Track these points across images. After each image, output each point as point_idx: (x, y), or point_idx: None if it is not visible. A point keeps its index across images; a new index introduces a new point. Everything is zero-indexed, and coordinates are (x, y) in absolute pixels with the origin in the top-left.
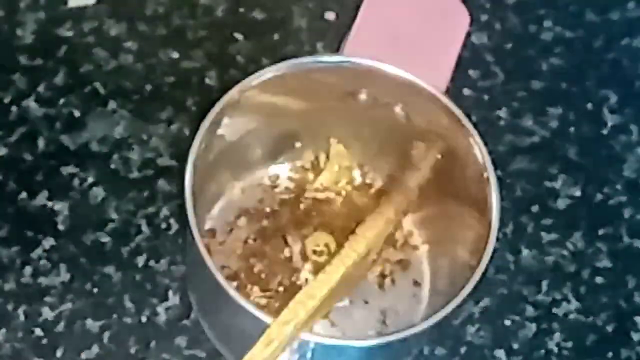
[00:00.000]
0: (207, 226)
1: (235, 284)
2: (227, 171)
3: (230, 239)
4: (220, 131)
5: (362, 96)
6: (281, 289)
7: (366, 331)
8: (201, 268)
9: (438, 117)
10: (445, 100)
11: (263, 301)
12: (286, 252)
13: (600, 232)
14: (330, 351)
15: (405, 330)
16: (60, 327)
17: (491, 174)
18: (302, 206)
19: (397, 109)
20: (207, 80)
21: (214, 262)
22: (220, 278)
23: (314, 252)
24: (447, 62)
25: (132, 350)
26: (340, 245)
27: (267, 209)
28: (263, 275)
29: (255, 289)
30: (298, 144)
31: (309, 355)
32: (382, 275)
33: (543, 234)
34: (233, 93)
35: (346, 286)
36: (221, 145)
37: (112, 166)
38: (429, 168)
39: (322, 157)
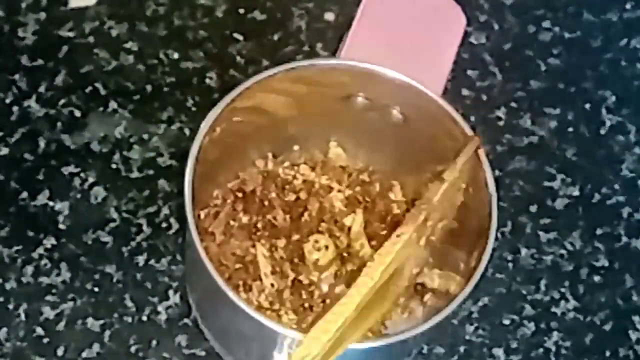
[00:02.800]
0: (206, 227)
1: (233, 285)
2: (226, 173)
3: (229, 241)
4: (219, 133)
5: (360, 99)
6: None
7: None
8: (200, 269)
9: (435, 119)
10: (442, 102)
11: (265, 304)
12: (285, 253)
13: (598, 231)
14: None
15: (405, 331)
16: (61, 325)
17: (489, 174)
18: (300, 208)
19: (395, 111)
20: (207, 81)
21: (213, 263)
22: (218, 279)
23: (313, 253)
24: (444, 64)
25: (133, 349)
26: (338, 247)
27: (267, 210)
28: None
29: (255, 290)
30: (296, 147)
31: None
32: None
33: (541, 233)
34: (232, 96)
35: (377, 310)
36: (220, 148)
37: (113, 166)
38: (449, 185)
39: (321, 160)
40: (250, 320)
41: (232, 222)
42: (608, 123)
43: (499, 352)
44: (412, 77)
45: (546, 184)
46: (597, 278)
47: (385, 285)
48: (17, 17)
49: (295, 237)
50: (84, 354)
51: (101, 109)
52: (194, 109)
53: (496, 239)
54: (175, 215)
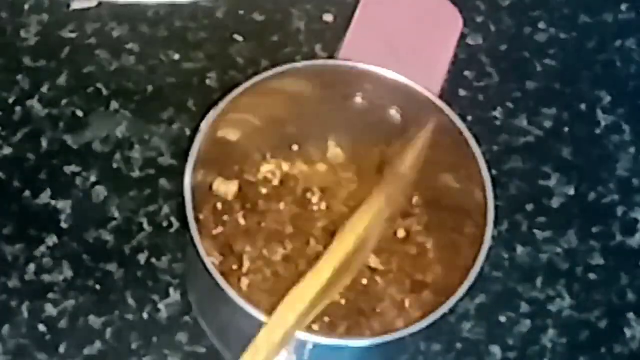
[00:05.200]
0: (206, 226)
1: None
2: (226, 172)
3: (228, 240)
4: (219, 133)
5: (358, 99)
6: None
7: None
8: (200, 268)
9: (432, 120)
10: (440, 103)
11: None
12: (285, 252)
13: (594, 230)
14: (328, 351)
15: (403, 329)
16: (64, 323)
17: (486, 174)
18: (300, 208)
19: (393, 112)
20: (207, 81)
21: (213, 262)
22: (218, 278)
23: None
24: (441, 65)
25: (134, 346)
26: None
27: (266, 210)
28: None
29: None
30: (296, 147)
31: (307, 355)
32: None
33: (537, 232)
34: (232, 96)
35: (341, 282)
36: (220, 147)
37: (114, 165)
38: (420, 148)
39: (320, 160)
40: (250, 319)
41: (232, 222)
42: (603, 123)
43: (495, 349)
44: (410, 78)
45: (542, 183)
46: (592, 276)
47: (351, 257)
48: (20, 19)
49: (294, 236)
50: (85, 351)
51: (103, 109)
52: (194, 109)
53: (493, 237)
54: (175, 214)
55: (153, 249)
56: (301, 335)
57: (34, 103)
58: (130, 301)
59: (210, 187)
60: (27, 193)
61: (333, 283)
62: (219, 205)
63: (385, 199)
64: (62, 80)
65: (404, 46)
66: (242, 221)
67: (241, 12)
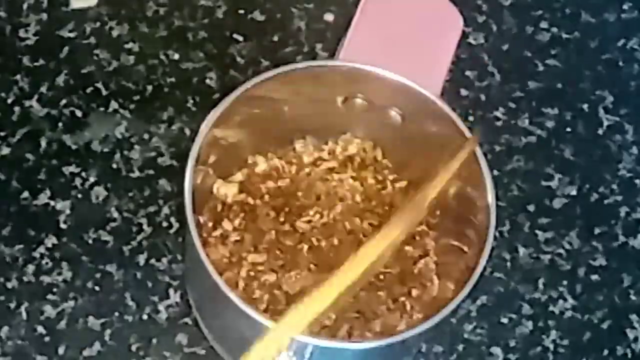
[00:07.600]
0: (206, 227)
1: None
2: (226, 172)
3: (228, 240)
4: (219, 133)
5: (359, 100)
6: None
7: None
8: (200, 269)
9: (433, 120)
10: (440, 103)
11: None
12: (284, 254)
13: (596, 230)
14: (329, 353)
15: (405, 331)
16: (63, 324)
17: (487, 174)
18: (299, 209)
19: (393, 112)
20: (207, 81)
21: (212, 263)
22: (218, 279)
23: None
24: (442, 65)
25: (133, 348)
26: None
27: (266, 209)
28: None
29: (254, 289)
30: (295, 148)
31: (307, 357)
32: None
33: (539, 232)
34: (232, 97)
35: (348, 295)
36: (220, 148)
37: (114, 166)
38: (444, 184)
39: (319, 160)
40: (249, 321)
41: (231, 222)
42: (606, 123)
43: (497, 350)
44: (410, 78)
45: (544, 183)
46: (594, 277)
47: (362, 275)
48: (19, 18)
49: (295, 236)
50: (85, 353)
51: (102, 109)
52: (194, 109)
53: (494, 238)
54: (175, 214)
55: (153, 250)
56: (302, 337)
57: (33, 103)
58: (130, 302)
59: (210, 188)
60: (26, 194)
61: (341, 296)
62: (219, 207)
63: (403, 228)
64: (61, 80)
65: (405, 46)
66: (242, 222)
67: (241, 12)
